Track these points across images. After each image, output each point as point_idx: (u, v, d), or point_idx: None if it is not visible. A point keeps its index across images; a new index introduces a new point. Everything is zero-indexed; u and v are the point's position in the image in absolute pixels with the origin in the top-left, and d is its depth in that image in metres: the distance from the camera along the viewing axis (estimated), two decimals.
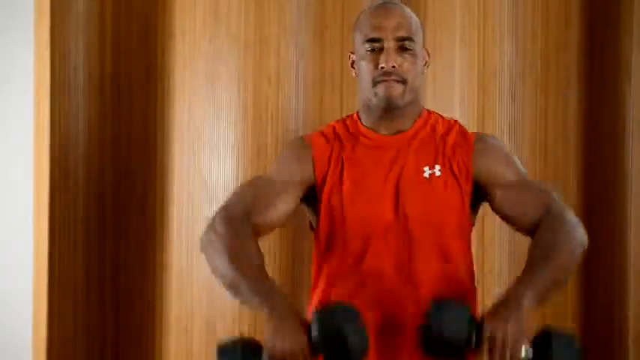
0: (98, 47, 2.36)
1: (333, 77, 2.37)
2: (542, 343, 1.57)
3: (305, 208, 1.85)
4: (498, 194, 1.76)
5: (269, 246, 2.25)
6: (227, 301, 2.28)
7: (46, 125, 2.26)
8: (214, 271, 1.68)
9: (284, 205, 1.76)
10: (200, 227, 2.29)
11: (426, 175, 1.74)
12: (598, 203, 2.53)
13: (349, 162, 1.76)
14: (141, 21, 2.40)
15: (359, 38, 1.76)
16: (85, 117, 2.35)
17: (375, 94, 1.73)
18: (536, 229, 1.70)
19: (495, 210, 1.79)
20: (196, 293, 2.32)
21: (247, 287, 1.60)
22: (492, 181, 1.77)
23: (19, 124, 2.39)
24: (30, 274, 2.29)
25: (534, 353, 1.56)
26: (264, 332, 1.56)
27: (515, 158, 1.83)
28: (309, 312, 1.76)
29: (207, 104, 2.32)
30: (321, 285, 1.79)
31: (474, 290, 1.80)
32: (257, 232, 1.72)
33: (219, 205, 1.79)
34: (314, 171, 1.78)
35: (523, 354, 1.55)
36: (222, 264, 1.65)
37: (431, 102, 2.36)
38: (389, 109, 1.75)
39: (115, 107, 2.38)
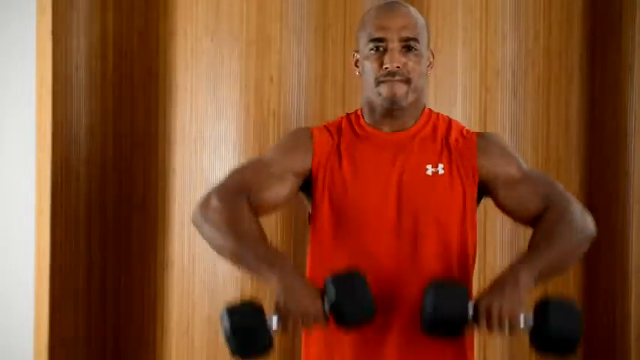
0: (100, 46, 2.36)
1: (335, 76, 2.37)
2: (541, 310, 1.56)
3: (304, 200, 1.85)
4: (501, 192, 1.77)
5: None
6: (228, 300, 2.28)
7: (48, 124, 2.26)
8: (214, 243, 1.68)
9: (280, 188, 1.76)
10: None
11: (429, 172, 1.74)
12: (599, 202, 2.53)
13: (350, 157, 1.76)
14: (142, 20, 2.40)
15: (363, 38, 1.76)
16: (86, 116, 2.35)
17: (379, 94, 1.73)
18: (538, 221, 1.72)
19: (498, 206, 1.80)
20: (198, 292, 2.31)
21: (252, 255, 1.62)
22: (496, 180, 1.77)
23: (20, 122, 2.39)
24: (32, 274, 2.29)
25: (534, 322, 1.55)
26: (275, 295, 1.57)
27: (516, 153, 1.83)
28: None
29: (209, 103, 2.32)
30: (317, 277, 1.77)
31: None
32: (253, 211, 1.72)
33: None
34: (312, 161, 1.78)
35: (522, 324, 1.55)
36: (222, 235, 1.65)
37: (433, 101, 2.36)
38: (392, 109, 1.74)
39: (117, 106, 2.39)
